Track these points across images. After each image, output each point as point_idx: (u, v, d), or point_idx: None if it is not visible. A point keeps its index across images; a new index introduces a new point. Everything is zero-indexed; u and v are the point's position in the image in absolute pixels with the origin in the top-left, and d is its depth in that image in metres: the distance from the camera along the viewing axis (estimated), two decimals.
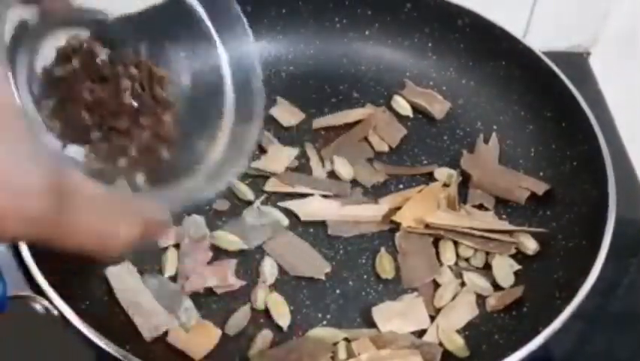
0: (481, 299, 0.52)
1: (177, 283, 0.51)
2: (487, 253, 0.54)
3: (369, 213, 0.56)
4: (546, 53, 0.60)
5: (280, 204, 0.56)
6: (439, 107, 0.62)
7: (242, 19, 0.35)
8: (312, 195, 0.56)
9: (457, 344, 0.49)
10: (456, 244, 0.54)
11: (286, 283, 0.52)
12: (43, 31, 0.32)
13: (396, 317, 0.50)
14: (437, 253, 0.54)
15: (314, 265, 0.53)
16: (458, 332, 0.50)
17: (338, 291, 0.52)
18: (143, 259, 0.52)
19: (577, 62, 0.76)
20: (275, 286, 0.52)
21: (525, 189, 0.57)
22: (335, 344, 0.48)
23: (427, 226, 0.54)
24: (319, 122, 0.62)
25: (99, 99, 0.32)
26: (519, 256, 0.54)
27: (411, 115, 0.63)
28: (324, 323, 0.50)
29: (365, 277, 0.53)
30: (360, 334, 0.49)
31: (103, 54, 0.32)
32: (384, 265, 0.53)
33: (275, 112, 0.62)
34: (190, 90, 0.35)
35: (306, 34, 0.65)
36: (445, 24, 0.63)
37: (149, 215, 0.30)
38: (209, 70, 0.36)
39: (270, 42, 0.64)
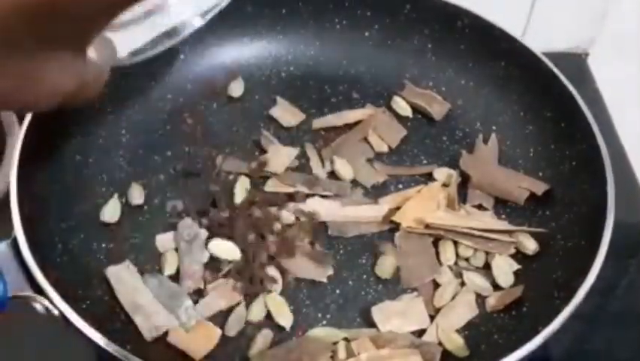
0: (480, 299, 0.52)
1: (177, 283, 0.51)
2: (487, 253, 0.54)
3: (369, 213, 0.56)
4: (545, 54, 0.60)
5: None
6: (438, 108, 0.63)
7: None
8: (312, 195, 0.56)
9: (456, 343, 0.49)
10: (456, 243, 0.54)
11: (286, 284, 0.52)
12: None
13: (396, 316, 0.50)
14: (437, 253, 0.54)
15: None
16: (458, 331, 0.50)
17: (338, 291, 0.52)
18: (143, 259, 0.52)
19: (575, 63, 0.76)
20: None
21: (524, 189, 0.57)
22: (335, 343, 0.48)
23: (426, 225, 0.54)
24: (319, 123, 0.62)
25: None
26: (518, 255, 0.54)
27: (410, 115, 0.63)
28: (324, 323, 0.50)
29: (365, 277, 0.53)
30: (359, 334, 0.49)
31: None
32: (384, 265, 0.53)
33: (275, 112, 0.62)
34: None
35: (306, 35, 0.65)
36: (444, 25, 0.63)
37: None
38: None
39: (270, 42, 0.64)
